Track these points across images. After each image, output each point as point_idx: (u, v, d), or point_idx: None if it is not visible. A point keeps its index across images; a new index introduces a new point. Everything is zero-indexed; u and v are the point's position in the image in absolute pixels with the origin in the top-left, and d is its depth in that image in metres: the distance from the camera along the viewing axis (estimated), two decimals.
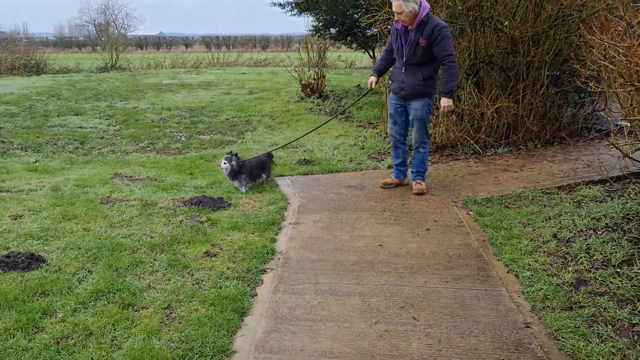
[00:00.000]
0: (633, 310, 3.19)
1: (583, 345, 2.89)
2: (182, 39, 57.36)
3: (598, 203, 4.93)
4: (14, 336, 2.85)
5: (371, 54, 14.80)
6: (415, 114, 5.39)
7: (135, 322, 3.03)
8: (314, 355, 2.83)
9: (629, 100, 3.46)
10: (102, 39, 53.51)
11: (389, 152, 7.03)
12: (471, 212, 5.03)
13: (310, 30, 13.02)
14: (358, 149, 7.60)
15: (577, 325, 3.08)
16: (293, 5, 12.25)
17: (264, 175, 5.85)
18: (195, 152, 7.85)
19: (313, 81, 12.31)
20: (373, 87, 5.68)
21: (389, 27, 7.39)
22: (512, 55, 7.23)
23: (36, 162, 6.94)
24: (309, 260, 4.01)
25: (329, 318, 3.20)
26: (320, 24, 12.70)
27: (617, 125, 6.28)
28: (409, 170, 5.90)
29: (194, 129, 9.49)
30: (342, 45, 15.29)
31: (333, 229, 4.62)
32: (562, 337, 2.99)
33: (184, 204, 5.12)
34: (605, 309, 3.23)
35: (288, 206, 5.22)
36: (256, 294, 3.47)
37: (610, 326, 3.07)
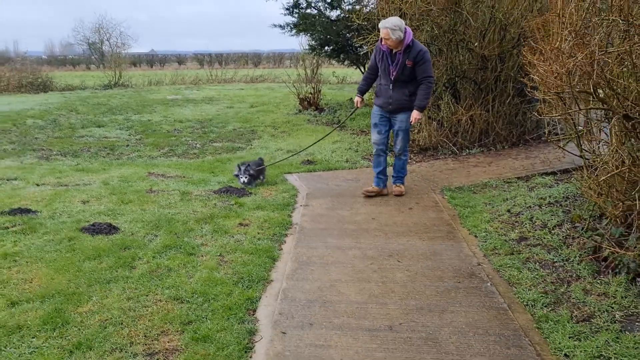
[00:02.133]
0: (556, 254, 4.44)
1: (516, 274, 4.13)
2: (175, 56, 58.54)
3: (547, 188, 6.20)
4: (117, 270, 4.04)
5: (362, 69, 16.13)
6: (401, 125, 6.08)
7: (199, 263, 4.23)
8: (328, 281, 4.04)
9: (554, 104, 4.72)
10: (94, 57, 54.51)
11: None
12: (446, 197, 6.28)
13: (306, 49, 14.36)
14: (352, 151, 8.86)
15: (514, 263, 4.32)
16: (292, 26, 13.57)
17: (262, 177, 6.93)
18: (212, 156, 9.06)
19: (310, 95, 13.61)
20: (359, 106, 6.43)
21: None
22: (482, 71, 8.55)
23: (78, 164, 8.13)
24: (318, 229, 5.23)
25: (336, 262, 4.41)
26: (316, 43, 14.04)
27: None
28: (389, 178, 6.53)
29: (207, 138, 10.71)
30: (335, 62, 16.68)
31: (335, 209, 5.85)
32: (503, 270, 4.23)
33: (214, 192, 6.32)
34: (536, 254, 4.47)
35: (298, 194, 6.44)
36: (282, 249, 4.69)
37: (537, 264, 4.31)
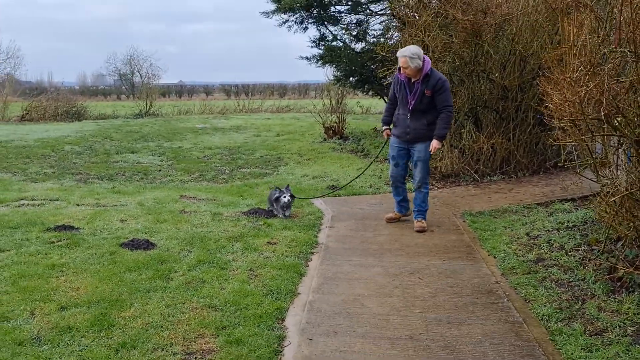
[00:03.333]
0: (572, 274, 4.61)
1: (532, 292, 4.32)
2: (203, 87, 60.03)
3: (566, 213, 6.36)
4: (155, 281, 4.35)
5: (385, 99, 16.49)
6: (419, 155, 5.95)
7: (230, 277, 4.52)
8: (352, 295, 4.28)
9: (569, 132, 4.95)
10: (124, 87, 56.12)
11: None
12: (466, 221, 6.48)
13: (331, 80, 14.80)
14: (376, 178, 9.13)
15: (531, 282, 4.50)
16: (318, 58, 14.05)
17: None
18: (240, 181, 9.42)
19: (335, 124, 13.99)
20: (389, 134, 6.29)
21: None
22: (503, 100, 8.80)
23: (114, 187, 8.55)
24: (342, 248, 5.48)
25: (359, 278, 4.65)
26: (341, 74, 14.48)
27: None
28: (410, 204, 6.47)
29: (235, 164, 11.11)
30: (360, 92, 17.11)
31: (359, 230, 6.10)
32: (519, 288, 4.42)
33: (243, 214, 6.63)
34: (553, 274, 4.65)
35: (323, 216, 6.72)
36: (308, 265, 4.95)
37: (553, 282, 4.49)
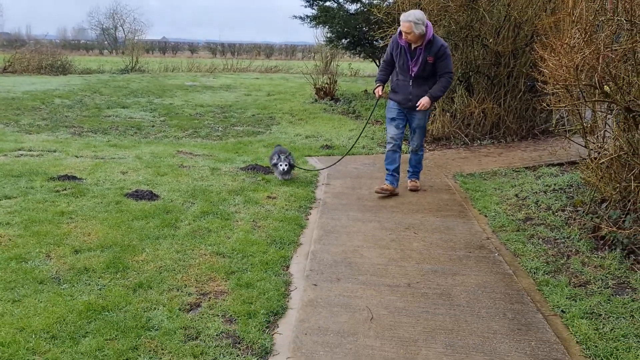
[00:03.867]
0: (558, 232, 4.87)
1: (521, 247, 4.58)
2: (188, 44, 59.02)
3: (553, 177, 6.62)
4: (163, 229, 4.52)
5: (377, 62, 16.54)
6: (419, 122, 5.91)
7: (235, 227, 4.70)
8: (351, 246, 4.50)
9: (562, 97, 5.15)
10: (106, 42, 54.95)
11: None
12: (458, 182, 6.72)
13: (324, 41, 14.79)
14: (368, 139, 9.30)
15: (520, 238, 4.76)
16: (312, 18, 14.00)
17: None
18: (234, 139, 9.52)
19: (326, 85, 14.04)
20: (381, 94, 5.98)
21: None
22: (496, 66, 8.95)
23: (109, 141, 8.61)
24: (340, 204, 5.69)
25: (358, 232, 4.87)
26: (333, 35, 14.46)
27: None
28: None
29: (228, 122, 11.18)
30: (351, 55, 17.10)
31: (355, 188, 6.30)
32: (509, 244, 4.68)
33: (241, 169, 6.78)
34: (540, 232, 4.91)
35: (319, 175, 6.90)
36: (308, 219, 5.15)
37: (541, 240, 4.75)
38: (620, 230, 4.45)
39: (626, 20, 4.17)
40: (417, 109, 5.68)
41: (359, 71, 24.47)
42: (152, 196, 5.35)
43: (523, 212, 5.46)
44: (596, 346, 3.10)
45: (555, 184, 6.18)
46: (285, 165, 6.28)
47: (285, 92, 16.31)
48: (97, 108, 12.06)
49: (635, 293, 3.72)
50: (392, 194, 6.04)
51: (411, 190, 6.21)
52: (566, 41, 4.47)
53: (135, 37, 51.32)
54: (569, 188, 6.02)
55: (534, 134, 9.12)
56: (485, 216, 5.44)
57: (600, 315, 3.45)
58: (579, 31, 4.34)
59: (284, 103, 13.97)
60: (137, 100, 13.54)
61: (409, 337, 3.14)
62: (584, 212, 5.20)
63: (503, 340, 3.14)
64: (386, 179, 6.08)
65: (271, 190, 5.92)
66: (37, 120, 10.15)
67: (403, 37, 5.53)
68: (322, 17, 13.58)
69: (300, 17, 14.36)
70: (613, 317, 3.41)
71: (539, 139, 9.00)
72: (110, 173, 6.22)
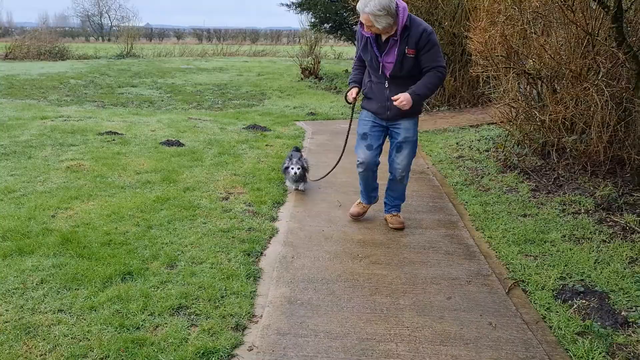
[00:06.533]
0: (479, 164, 6.71)
1: (450, 172, 6.41)
2: (173, 30, 59.93)
3: (488, 131, 8.47)
4: (193, 162, 6.29)
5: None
6: (407, 135, 4.37)
7: (245, 161, 6.48)
8: (329, 163, 6.30)
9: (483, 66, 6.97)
10: (89, 29, 55.61)
11: None
12: None
13: (309, 25, 16.52)
14: (347, 109, 11.08)
15: (451, 167, 6.60)
16: (297, 5, 15.72)
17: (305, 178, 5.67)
18: (233, 109, 11.26)
19: (311, 65, 15.80)
20: (355, 98, 4.46)
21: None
22: (452, 45, 10.76)
23: (130, 111, 10.31)
24: (322, 150, 7.49)
25: (332, 163, 6.67)
26: (316, 20, 16.19)
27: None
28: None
29: (225, 97, 12.90)
30: (333, 38, 18.85)
31: (333, 140, 8.11)
32: (442, 171, 6.51)
33: (243, 129, 8.55)
34: (467, 164, 6.75)
35: (305, 132, 8.69)
36: None
37: (466, 168, 6.59)
38: (519, 158, 6.32)
39: (517, 8, 5.98)
40: (394, 103, 4.00)
41: (342, 54, 26.20)
42: (179, 144, 7.12)
43: (458, 152, 7.31)
44: (480, 217, 4.94)
45: (488, 135, 8.04)
46: (298, 168, 5.31)
47: (273, 73, 18.03)
48: (110, 87, 13.71)
49: (518, 194, 5.58)
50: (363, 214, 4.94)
51: (395, 228, 4.66)
52: (479, 23, 6.28)
53: (125, 24, 52.39)
54: (497, 137, 7.87)
55: (483, 102, 10.97)
56: (430, 155, 7.28)
57: (489, 203, 5.30)
58: (486, 16, 6.15)
59: (273, 81, 15.70)
60: (143, 81, 15.19)
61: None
62: (502, 151, 7.05)
63: (424, 215, 4.98)
64: (363, 199, 4.91)
65: (268, 142, 7.71)
66: (62, 97, 11.81)
67: (366, 30, 4.03)
68: (306, 4, 15.33)
69: (287, 5, 16.07)
70: (497, 205, 5.26)
71: (487, 105, 10.85)
72: (142, 131, 7.97)
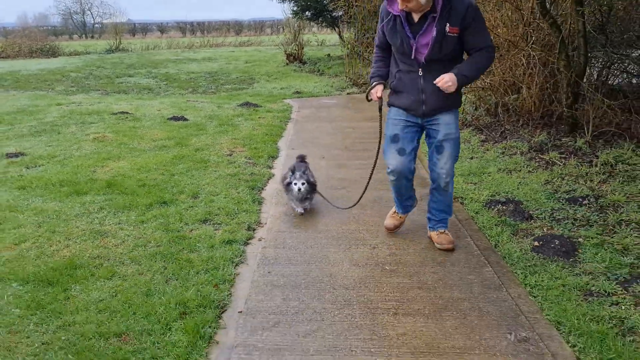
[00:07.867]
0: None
1: None
2: (157, 25, 60.35)
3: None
4: (199, 131, 7.43)
5: (337, 31, 19.43)
6: (448, 131, 3.62)
7: (241, 130, 7.63)
8: (313, 136, 7.47)
9: None
10: (70, 27, 56.04)
11: (349, 87, 11.76)
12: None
13: (291, 14, 17.60)
14: (329, 87, 12.25)
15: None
16: None
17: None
18: (225, 92, 12.36)
19: (295, 51, 16.91)
20: (380, 97, 3.71)
21: (351, 9, 11.95)
22: None
23: (133, 97, 11.38)
24: (307, 120, 8.65)
25: (316, 130, 7.84)
26: (298, 9, 17.28)
27: None
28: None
29: (218, 82, 14.00)
30: (317, 26, 19.96)
31: (318, 113, 9.27)
32: None
33: (237, 106, 9.68)
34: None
35: (292, 107, 9.83)
36: (287, 126, 8.11)
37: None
38: (474, 118, 7.53)
39: None
40: (436, 84, 3.37)
41: (324, 41, 27.30)
42: (184, 119, 8.25)
43: None
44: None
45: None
46: (302, 184, 4.41)
47: (260, 60, 19.11)
48: (109, 77, 14.75)
49: (470, 144, 6.77)
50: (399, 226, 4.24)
51: (444, 249, 3.89)
52: None
53: (107, 20, 52.86)
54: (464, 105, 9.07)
55: None
56: None
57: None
58: None
59: (261, 67, 16.80)
60: (138, 71, 16.23)
61: (343, 160, 6.16)
62: (465, 114, 8.25)
63: None
64: (398, 209, 4.17)
65: (261, 115, 8.85)
66: (68, 87, 12.85)
67: (399, 3, 3.33)
68: None
69: None
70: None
71: None
72: (150, 110, 9.08)
